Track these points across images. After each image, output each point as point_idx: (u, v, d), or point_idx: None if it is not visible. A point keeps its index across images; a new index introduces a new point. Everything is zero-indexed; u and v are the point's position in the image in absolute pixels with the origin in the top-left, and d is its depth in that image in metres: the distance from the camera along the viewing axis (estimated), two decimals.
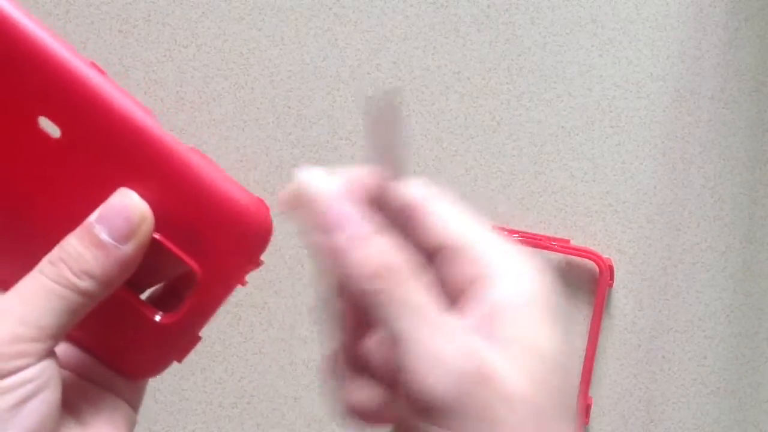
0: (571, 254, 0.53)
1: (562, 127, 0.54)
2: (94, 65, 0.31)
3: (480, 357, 0.25)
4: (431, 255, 0.29)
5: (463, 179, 0.53)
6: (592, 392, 0.54)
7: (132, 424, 0.30)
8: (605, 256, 0.54)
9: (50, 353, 0.27)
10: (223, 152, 0.51)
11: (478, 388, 0.25)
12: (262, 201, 0.31)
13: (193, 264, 0.29)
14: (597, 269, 0.53)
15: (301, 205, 0.28)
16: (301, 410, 0.52)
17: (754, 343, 0.56)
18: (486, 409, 0.25)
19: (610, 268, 0.53)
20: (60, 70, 0.30)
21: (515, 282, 0.27)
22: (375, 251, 0.27)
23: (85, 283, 0.27)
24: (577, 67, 0.54)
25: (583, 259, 0.53)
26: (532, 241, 0.52)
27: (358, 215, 0.27)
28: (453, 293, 0.28)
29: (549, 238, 0.52)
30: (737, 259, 0.56)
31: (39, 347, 0.27)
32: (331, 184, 0.28)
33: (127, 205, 0.28)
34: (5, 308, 0.27)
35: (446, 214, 0.30)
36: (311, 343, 0.53)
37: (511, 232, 0.52)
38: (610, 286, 0.53)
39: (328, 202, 0.28)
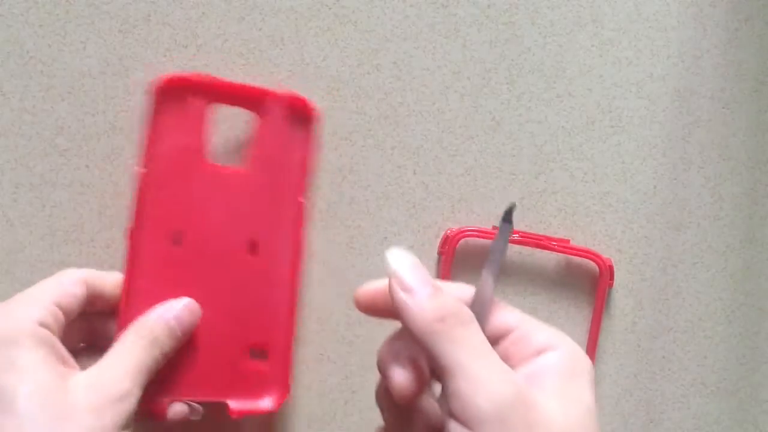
0: (571, 254, 0.53)
1: (562, 127, 0.54)
2: None
3: (523, 387, 0.33)
4: (495, 342, 0.36)
5: (463, 179, 0.53)
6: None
7: None
8: (605, 256, 0.54)
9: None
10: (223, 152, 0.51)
11: (520, 409, 0.32)
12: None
13: None
14: (597, 269, 0.53)
15: (378, 296, 0.38)
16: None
17: (754, 343, 0.56)
18: (525, 427, 0.32)
19: (610, 268, 0.53)
20: None
21: (563, 355, 0.35)
22: (441, 301, 0.35)
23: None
24: (577, 67, 0.54)
25: (583, 259, 0.53)
26: (532, 241, 0.52)
27: (429, 277, 0.36)
28: (512, 366, 0.35)
29: (549, 238, 0.52)
30: (737, 259, 0.56)
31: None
32: (410, 257, 0.37)
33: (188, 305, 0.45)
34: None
35: (505, 309, 0.38)
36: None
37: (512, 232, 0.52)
38: (610, 286, 0.53)
39: (407, 268, 0.36)
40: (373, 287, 0.39)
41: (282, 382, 0.47)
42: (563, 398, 0.34)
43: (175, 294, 0.44)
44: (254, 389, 0.46)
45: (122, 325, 0.42)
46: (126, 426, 0.38)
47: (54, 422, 0.35)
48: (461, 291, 0.38)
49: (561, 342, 0.36)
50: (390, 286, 0.36)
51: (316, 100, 0.51)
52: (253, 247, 0.46)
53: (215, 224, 0.45)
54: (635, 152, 0.55)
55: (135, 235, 0.44)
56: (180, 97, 0.45)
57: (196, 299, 0.44)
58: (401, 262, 0.36)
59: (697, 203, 0.55)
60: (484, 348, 0.34)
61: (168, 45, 0.50)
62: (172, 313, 0.43)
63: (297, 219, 0.47)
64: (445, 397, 0.34)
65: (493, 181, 0.53)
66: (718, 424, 0.56)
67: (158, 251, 0.44)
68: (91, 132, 0.50)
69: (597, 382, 0.55)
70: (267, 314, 0.46)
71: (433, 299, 0.35)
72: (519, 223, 0.54)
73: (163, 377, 0.43)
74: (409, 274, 0.36)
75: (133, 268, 0.44)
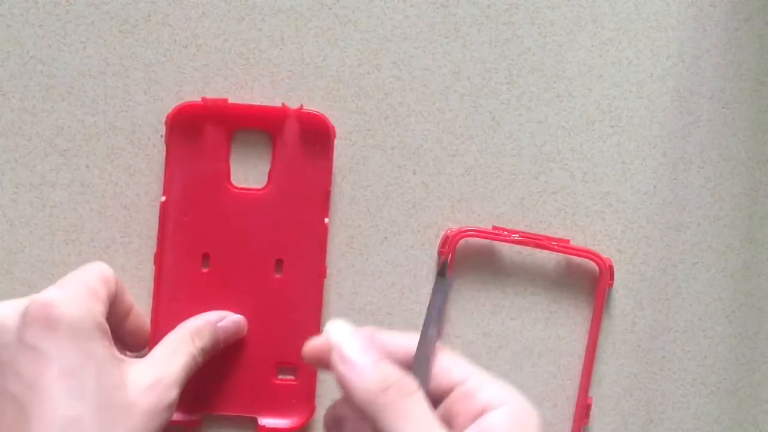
0: (571, 254, 0.53)
1: (562, 127, 0.54)
2: None
3: None
4: (440, 398, 0.36)
5: (463, 179, 0.53)
6: (592, 392, 0.54)
7: None
8: (605, 256, 0.54)
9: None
10: None
11: None
12: None
13: None
14: (597, 269, 0.53)
15: (322, 353, 0.37)
16: None
17: (754, 343, 0.56)
18: None
19: (610, 268, 0.53)
20: None
21: (508, 412, 0.34)
22: (384, 371, 0.34)
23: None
24: (577, 67, 0.54)
25: (583, 259, 0.53)
26: (532, 241, 0.52)
27: (370, 346, 0.36)
28: (457, 426, 0.35)
29: (549, 238, 0.52)
30: (737, 259, 0.56)
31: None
32: (348, 329, 0.37)
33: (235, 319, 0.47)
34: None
35: (450, 361, 0.37)
36: None
37: (511, 232, 0.52)
38: (610, 286, 0.53)
39: (346, 340, 0.36)
40: (318, 343, 0.38)
41: (308, 399, 0.48)
42: None
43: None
44: (282, 406, 0.48)
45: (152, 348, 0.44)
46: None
47: (115, 418, 0.36)
48: (405, 341, 0.38)
49: (507, 397, 0.35)
50: (332, 359, 0.36)
51: (316, 100, 0.51)
52: (279, 267, 0.48)
53: (241, 245, 0.47)
54: (635, 152, 0.55)
55: (161, 260, 0.46)
56: (195, 124, 0.46)
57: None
58: (340, 333, 0.36)
59: (697, 203, 0.55)
60: (428, 419, 0.34)
61: (168, 45, 0.50)
62: (217, 317, 0.45)
63: (321, 238, 0.48)
64: None
65: (493, 181, 0.53)
66: (718, 424, 0.56)
67: (186, 274, 0.46)
68: (91, 132, 0.50)
69: (597, 382, 0.55)
70: (294, 332, 0.48)
71: (375, 370, 0.34)
72: (519, 223, 0.54)
73: (197, 391, 0.44)
74: (348, 345, 0.36)
75: (161, 290, 0.46)
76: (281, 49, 0.51)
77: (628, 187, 0.55)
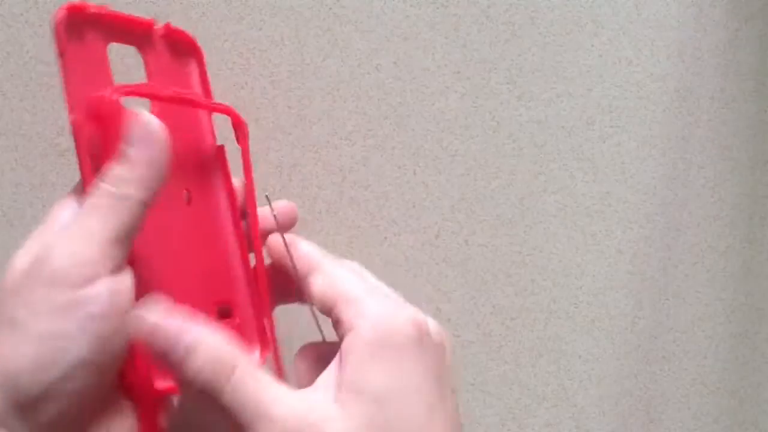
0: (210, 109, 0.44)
1: (562, 127, 0.54)
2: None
3: (312, 414, 0.30)
4: (329, 310, 0.35)
5: (463, 179, 0.53)
6: (593, 393, 0.54)
7: None
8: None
9: (122, 266, 0.33)
10: None
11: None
12: None
13: None
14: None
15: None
16: None
17: (754, 343, 0.56)
18: None
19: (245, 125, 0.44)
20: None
21: (366, 326, 0.32)
22: (206, 351, 0.31)
23: (124, 189, 0.33)
24: (577, 67, 0.54)
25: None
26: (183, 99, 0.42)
27: (183, 324, 0.32)
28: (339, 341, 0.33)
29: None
30: (737, 259, 0.56)
31: (109, 260, 0.32)
32: (156, 311, 0.32)
33: (138, 118, 0.34)
34: (72, 233, 0.33)
35: (334, 273, 0.36)
36: None
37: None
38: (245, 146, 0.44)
39: (156, 325, 0.32)
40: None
41: (259, 336, 0.42)
42: (356, 401, 0.31)
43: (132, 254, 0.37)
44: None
45: None
46: None
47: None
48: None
49: (366, 313, 0.33)
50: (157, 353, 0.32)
51: (316, 100, 0.51)
52: (189, 198, 0.42)
53: None
54: (635, 152, 0.55)
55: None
56: (81, 31, 0.41)
57: (149, 259, 0.39)
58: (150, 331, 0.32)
59: (697, 203, 0.55)
60: (264, 386, 0.31)
61: None
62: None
63: (222, 164, 0.44)
64: None
65: (493, 181, 0.53)
66: (718, 424, 0.56)
67: None
68: None
69: (597, 382, 0.55)
70: (221, 270, 0.43)
71: (196, 350, 0.31)
72: (519, 223, 0.54)
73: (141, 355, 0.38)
74: (160, 340, 0.31)
75: None
76: (281, 49, 0.51)
77: (628, 187, 0.55)
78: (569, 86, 0.54)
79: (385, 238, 0.53)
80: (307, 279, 0.36)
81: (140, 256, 0.38)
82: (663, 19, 0.54)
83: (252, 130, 0.51)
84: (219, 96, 0.50)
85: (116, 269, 0.33)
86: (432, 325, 0.35)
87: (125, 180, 0.33)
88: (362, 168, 0.52)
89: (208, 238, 0.42)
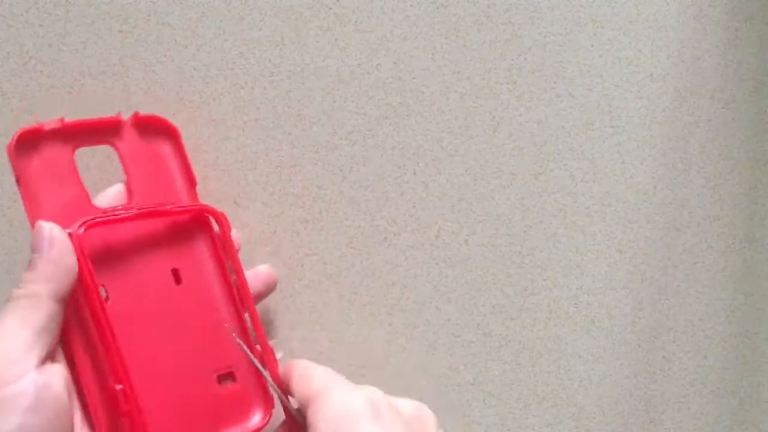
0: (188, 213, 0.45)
1: (562, 127, 0.54)
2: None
3: None
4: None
5: (463, 179, 0.53)
6: (593, 393, 0.54)
7: None
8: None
9: (45, 360, 0.36)
10: (223, 152, 0.51)
11: None
12: None
13: None
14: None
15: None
16: None
17: (754, 343, 0.56)
18: None
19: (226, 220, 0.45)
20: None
21: (324, 411, 0.36)
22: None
23: (31, 287, 0.36)
24: (577, 67, 0.54)
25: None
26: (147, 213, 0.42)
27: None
28: None
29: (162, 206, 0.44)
30: (737, 259, 0.56)
31: (33, 356, 0.35)
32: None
33: (38, 227, 0.38)
34: None
35: (306, 373, 0.40)
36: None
37: (127, 208, 0.43)
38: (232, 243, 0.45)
39: None
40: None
41: (263, 395, 0.45)
42: None
43: (125, 350, 0.40)
44: (238, 413, 0.44)
45: (95, 415, 0.39)
46: None
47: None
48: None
49: (323, 394, 0.37)
50: None
51: (317, 100, 0.51)
52: (177, 277, 0.44)
53: (132, 268, 0.42)
54: (635, 152, 0.55)
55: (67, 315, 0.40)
56: (39, 149, 0.43)
57: (144, 348, 0.41)
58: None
59: (697, 203, 0.55)
60: None
61: (168, 45, 0.50)
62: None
63: (206, 229, 0.46)
64: None
65: (493, 181, 0.53)
66: (718, 424, 0.56)
67: (93, 313, 0.40)
68: None
69: (597, 382, 0.55)
70: (217, 338, 0.45)
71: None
72: (519, 223, 0.54)
73: (144, 427, 0.39)
74: None
75: (72, 337, 0.40)
76: (281, 49, 0.51)
77: (628, 187, 0.55)
78: (569, 86, 0.54)
79: (385, 238, 0.53)
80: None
81: (133, 341, 0.41)
82: (663, 19, 0.54)
83: (252, 130, 0.51)
84: (219, 95, 0.50)
85: (41, 363, 0.35)
86: (404, 403, 0.39)
87: (31, 281, 0.37)
88: (362, 168, 0.52)
89: (200, 309, 0.44)
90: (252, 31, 0.51)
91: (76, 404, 0.38)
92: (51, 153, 0.43)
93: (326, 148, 0.52)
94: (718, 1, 0.55)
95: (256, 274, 0.47)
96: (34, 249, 0.38)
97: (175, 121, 0.46)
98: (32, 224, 0.40)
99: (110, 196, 0.43)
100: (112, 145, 0.45)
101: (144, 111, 0.49)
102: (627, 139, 0.55)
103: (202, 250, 0.45)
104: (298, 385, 0.39)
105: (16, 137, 0.42)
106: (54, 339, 0.37)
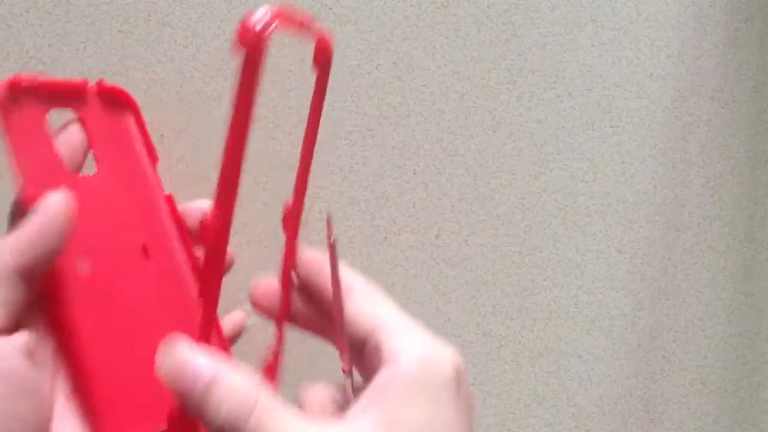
0: None
1: (562, 127, 0.54)
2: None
3: None
4: (363, 340, 0.34)
5: (463, 179, 0.53)
6: (593, 393, 0.54)
7: None
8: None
9: (10, 329, 0.33)
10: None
11: None
12: None
13: None
14: None
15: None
16: None
17: (754, 343, 0.56)
18: None
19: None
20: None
21: (410, 361, 0.32)
22: (223, 390, 0.30)
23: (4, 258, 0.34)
24: (577, 67, 0.54)
25: None
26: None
27: (199, 362, 0.31)
28: (372, 370, 0.33)
29: None
30: (737, 259, 0.56)
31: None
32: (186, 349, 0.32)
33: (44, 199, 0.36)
34: None
35: (367, 302, 0.36)
36: None
37: None
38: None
39: (172, 367, 0.31)
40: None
41: None
42: (390, 430, 0.30)
43: (98, 328, 0.39)
44: None
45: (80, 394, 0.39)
46: None
47: None
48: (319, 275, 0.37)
49: (410, 347, 0.33)
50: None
51: None
52: (146, 252, 0.43)
53: (105, 239, 0.43)
54: (635, 152, 0.55)
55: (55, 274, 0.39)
56: (19, 103, 0.43)
57: (115, 323, 0.40)
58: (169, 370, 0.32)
59: (697, 203, 0.55)
60: (288, 422, 0.30)
61: (168, 45, 0.50)
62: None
63: (172, 212, 0.45)
64: None
65: (493, 181, 0.53)
66: (718, 424, 0.56)
67: (73, 283, 0.40)
68: None
69: (597, 382, 0.54)
70: (189, 317, 0.43)
71: (217, 390, 0.30)
72: (519, 223, 0.54)
73: (126, 414, 0.39)
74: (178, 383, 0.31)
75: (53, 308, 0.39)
76: (281, 49, 0.51)
77: (628, 187, 0.55)
78: (569, 86, 0.54)
79: (385, 238, 0.53)
80: (340, 301, 0.36)
81: (102, 311, 0.39)
82: (663, 19, 0.54)
83: (252, 130, 0.51)
84: (219, 95, 0.50)
85: (2, 332, 0.33)
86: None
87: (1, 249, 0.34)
88: (362, 168, 0.52)
89: (172, 285, 0.43)
90: None
91: (62, 382, 0.35)
92: (28, 109, 0.43)
93: (326, 148, 0.52)
94: (718, 1, 0.55)
95: (230, 318, 0.44)
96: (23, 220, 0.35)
97: (176, 121, 0.46)
98: (20, 178, 0.39)
99: (70, 137, 0.42)
100: (78, 109, 0.44)
101: (144, 111, 0.49)
102: (627, 139, 0.55)
103: (170, 228, 0.44)
104: (360, 314, 0.35)
105: (4, 86, 0.40)
106: (11, 311, 0.34)
